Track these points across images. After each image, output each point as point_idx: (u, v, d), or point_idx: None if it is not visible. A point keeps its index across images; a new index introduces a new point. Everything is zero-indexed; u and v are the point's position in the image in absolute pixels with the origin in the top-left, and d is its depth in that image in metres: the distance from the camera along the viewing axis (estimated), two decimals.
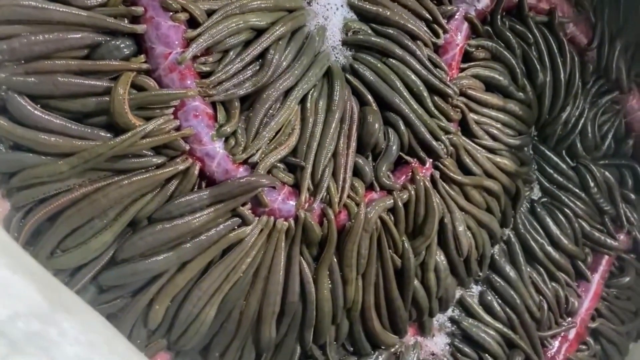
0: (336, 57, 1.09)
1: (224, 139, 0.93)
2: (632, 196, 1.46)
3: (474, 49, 1.20)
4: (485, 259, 1.25)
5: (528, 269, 1.32)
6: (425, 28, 1.15)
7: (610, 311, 1.43)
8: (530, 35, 1.26)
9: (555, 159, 1.37)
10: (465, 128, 1.20)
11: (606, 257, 1.43)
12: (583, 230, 1.38)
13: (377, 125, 1.07)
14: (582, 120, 1.37)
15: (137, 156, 0.89)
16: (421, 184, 1.11)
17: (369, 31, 1.11)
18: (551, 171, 1.37)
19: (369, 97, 1.09)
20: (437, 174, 1.15)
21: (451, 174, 1.15)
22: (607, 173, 1.42)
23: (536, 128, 1.36)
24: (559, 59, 1.30)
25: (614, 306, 1.44)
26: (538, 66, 1.27)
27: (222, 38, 0.92)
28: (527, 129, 1.30)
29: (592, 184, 1.39)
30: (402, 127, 1.11)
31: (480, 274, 1.26)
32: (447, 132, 1.15)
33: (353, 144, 1.06)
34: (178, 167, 0.90)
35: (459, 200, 1.17)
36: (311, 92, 1.03)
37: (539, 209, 1.34)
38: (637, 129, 1.44)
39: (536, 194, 1.39)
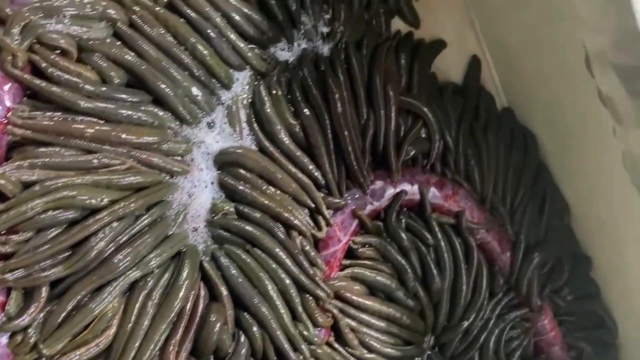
0: (196, 241, 0.97)
1: (9, 333, 0.78)
2: None
3: (359, 247, 1.07)
4: None
5: None
6: (307, 218, 1.04)
7: None
8: (429, 237, 1.14)
9: None
10: (339, 334, 1.05)
11: None
12: None
13: (218, 326, 0.91)
14: (485, 334, 1.22)
15: None
16: None
17: (238, 214, 0.99)
18: None
19: (223, 290, 0.95)
20: None
21: None
22: None
23: (433, 334, 1.21)
24: (464, 265, 1.18)
25: None
26: (435, 271, 1.14)
27: (33, 214, 0.79)
28: (417, 338, 1.15)
29: None
30: (256, 332, 0.96)
31: None
32: (310, 342, 1.00)
33: (186, 347, 0.90)
34: None
35: None
36: (146, 279, 0.89)
37: None
38: (546, 352, 1.29)
39: None
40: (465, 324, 1.20)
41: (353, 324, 1.06)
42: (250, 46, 1.01)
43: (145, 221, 0.89)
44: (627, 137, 1.00)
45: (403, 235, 1.11)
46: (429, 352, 1.21)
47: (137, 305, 0.87)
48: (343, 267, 1.07)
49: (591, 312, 1.36)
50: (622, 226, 1.25)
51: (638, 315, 1.33)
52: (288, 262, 0.99)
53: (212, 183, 0.99)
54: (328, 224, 1.05)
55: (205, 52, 0.95)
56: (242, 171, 0.99)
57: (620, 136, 1.03)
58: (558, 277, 1.29)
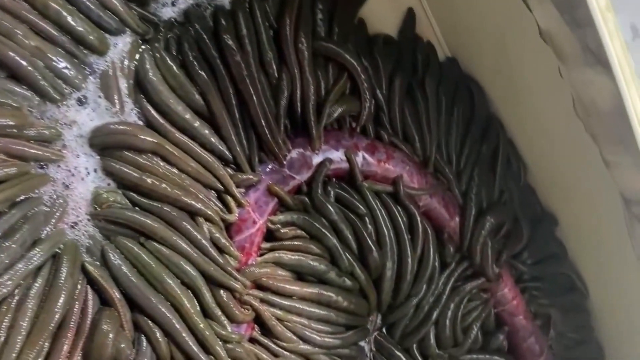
0: (78, 238, 0.83)
1: None
2: None
3: (279, 227, 0.94)
4: None
5: None
6: (214, 200, 0.90)
7: None
8: (362, 208, 1.01)
9: (400, 354, 1.09)
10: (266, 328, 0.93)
11: None
12: None
13: (111, 336, 0.79)
14: (439, 309, 1.10)
15: None
16: None
17: (129, 203, 0.85)
18: None
19: (114, 293, 0.81)
20: None
21: None
22: None
23: (379, 313, 1.09)
24: (407, 236, 1.05)
25: None
26: (372, 245, 1.01)
27: None
28: (359, 321, 1.03)
29: None
30: (159, 336, 0.83)
31: None
32: (227, 341, 0.88)
33: None
34: None
35: None
36: (16, 291, 0.75)
37: None
38: (509, 323, 1.18)
39: None
40: (415, 299, 1.08)
41: (279, 313, 0.93)
42: (125, 4, 0.85)
43: (8, 222, 0.75)
44: (572, 77, 0.86)
45: (331, 208, 0.97)
46: (375, 335, 1.09)
47: (5, 322, 0.73)
48: (264, 252, 0.94)
49: (558, 274, 1.24)
50: (583, 180, 1.13)
51: (609, 274, 1.22)
52: (192, 252, 0.85)
53: (95, 170, 0.84)
54: (240, 205, 0.91)
55: (64, 13, 0.79)
56: (128, 152, 0.84)
57: (566, 77, 0.90)
58: (516, 240, 1.17)
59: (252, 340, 0.93)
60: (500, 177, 1.16)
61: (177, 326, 0.83)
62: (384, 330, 1.11)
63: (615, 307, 1.25)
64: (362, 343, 1.07)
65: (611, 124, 0.83)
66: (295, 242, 0.95)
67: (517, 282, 1.18)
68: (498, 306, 1.16)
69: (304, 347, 0.95)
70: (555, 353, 1.25)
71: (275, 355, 0.93)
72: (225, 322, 0.88)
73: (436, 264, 1.09)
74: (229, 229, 0.91)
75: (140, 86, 0.86)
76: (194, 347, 0.84)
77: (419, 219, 1.06)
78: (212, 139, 0.89)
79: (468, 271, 1.14)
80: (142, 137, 0.84)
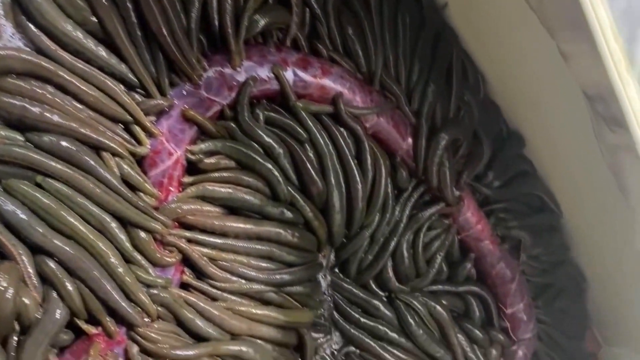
0: None
1: None
2: (479, 333, 1.10)
3: (201, 157, 0.83)
4: None
5: None
6: (121, 132, 0.79)
7: None
8: (301, 131, 0.90)
9: (358, 292, 1.01)
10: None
11: None
12: None
13: (9, 293, 0.69)
14: (396, 239, 1.01)
15: None
16: None
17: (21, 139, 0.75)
18: (353, 312, 1.00)
19: (11, 244, 0.71)
20: (134, 349, 0.77)
21: (154, 348, 0.78)
22: (438, 307, 1.05)
23: (333, 247, 1.00)
24: (353, 160, 0.95)
25: None
26: (313, 172, 0.91)
27: None
28: (308, 256, 0.94)
29: (413, 324, 1.02)
30: (69, 286, 0.73)
31: None
32: (151, 286, 0.78)
33: None
34: None
35: None
36: None
37: None
38: (475, 249, 1.09)
39: (337, 341, 1.02)
40: (368, 231, 0.99)
41: (212, 253, 0.84)
42: None
43: None
44: None
45: (262, 132, 0.87)
46: (329, 275, 1.01)
47: None
48: (187, 187, 0.83)
49: (527, 195, 1.15)
50: (549, 89, 1.02)
51: (583, 190, 1.13)
52: (98, 191, 0.75)
53: None
54: (151, 135, 0.80)
55: None
56: (10, 79, 0.73)
57: None
58: (476, 159, 1.07)
59: (184, 285, 0.84)
60: (456, 92, 1.05)
61: (94, 272, 0.74)
62: (336, 269, 1.02)
63: (592, 223, 1.16)
64: (319, 279, 0.98)
65: (563, 5, 0.73)
66: (223, 174, 0.85)
67: (482, 205, 1.09)
68: (462, 232, 1.07)
69: (250, 286, 0.86)
70: (530, 278, 1.17)
71: (213, 298, 0.85)
72: (148, 266, 0.79)
73: (389, 190, 0.99)
74: (141, 163, 0.80)
75: (21, 8, 0.74)
76: (114, 294, 0.75)
77: (365, 141, 0.95)
78: (112, 61, 0.78)
79: (426, 197, 1.04)
80: (27, 60, 0.72)
